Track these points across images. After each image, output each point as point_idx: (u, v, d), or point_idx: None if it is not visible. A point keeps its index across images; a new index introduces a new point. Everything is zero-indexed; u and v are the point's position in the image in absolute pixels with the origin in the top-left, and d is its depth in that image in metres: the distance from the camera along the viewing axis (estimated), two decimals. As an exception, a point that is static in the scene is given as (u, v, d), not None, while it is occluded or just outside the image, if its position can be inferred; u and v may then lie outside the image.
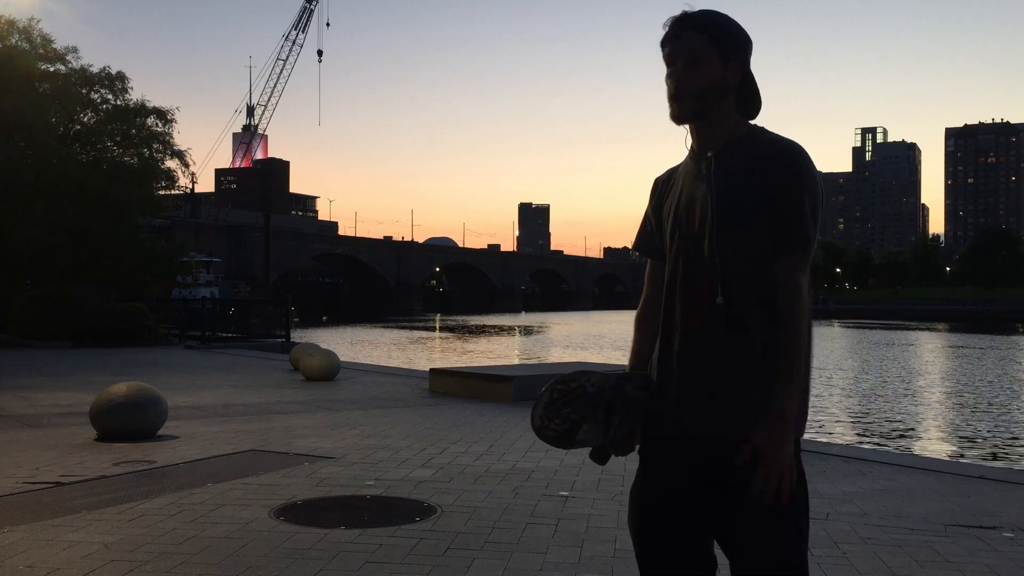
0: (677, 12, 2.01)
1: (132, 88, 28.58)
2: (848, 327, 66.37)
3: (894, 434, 14.45)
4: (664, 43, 2.01)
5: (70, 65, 27.91)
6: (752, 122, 2.05)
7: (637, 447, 2.11)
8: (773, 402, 1.86)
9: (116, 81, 28.20)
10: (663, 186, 2.15)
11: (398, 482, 5.51)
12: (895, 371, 26.92)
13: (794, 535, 1.90)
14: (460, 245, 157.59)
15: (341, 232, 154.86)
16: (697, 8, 2.01)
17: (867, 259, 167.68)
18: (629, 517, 2.10)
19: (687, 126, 2.05)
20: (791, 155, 1.92)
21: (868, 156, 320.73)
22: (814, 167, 1.94)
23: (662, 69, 2.05)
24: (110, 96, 28.26)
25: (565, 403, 2.01)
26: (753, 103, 2.04)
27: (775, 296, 1.89)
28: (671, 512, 2.00)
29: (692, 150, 2.07)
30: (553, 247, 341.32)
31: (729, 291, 1.92)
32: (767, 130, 2.02)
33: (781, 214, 1.90)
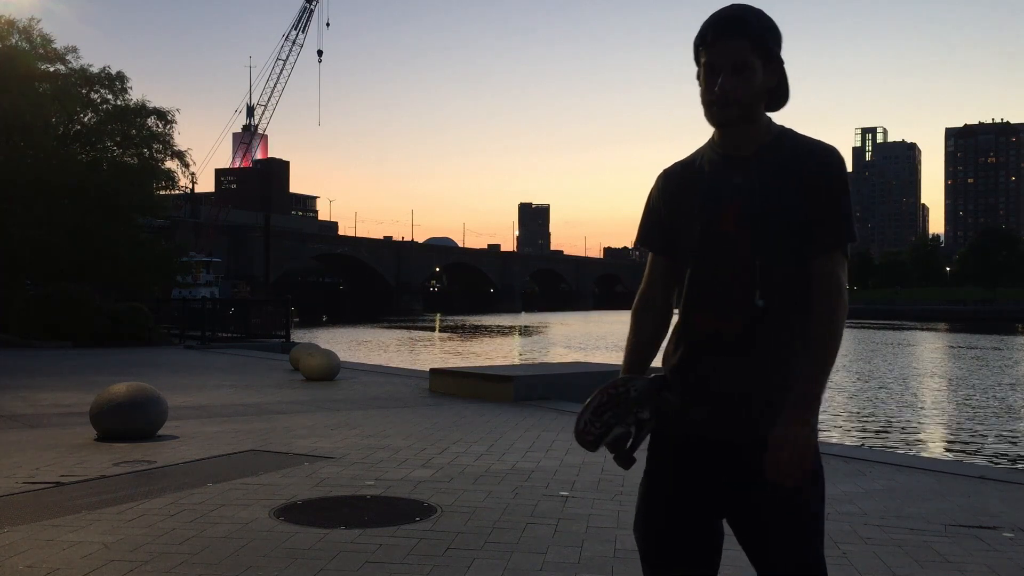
0: (715, 12, 1.96)
1: (132, 88, 28.66)
2: (848, 327, 66.18)
3: (894, 434, 14.45)
4: (703, 46, 1.95)
5: (70, 65, 27.94)
6: (779, 122, 2.04)
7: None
8: (803, 386, 1.86)
9: (116, 81, 28.21)
10: (677, 180, 2.07)
11: (398, 482, 5.51)
12: (895, 371, 26.92)
13: (819, 534, 1.92)
14: (460, 245, 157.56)
15: (341, 232, 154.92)
16: (733, 6, 1.96)
17: (867, 259, 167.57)
18: (638, 523, 2.05)
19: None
20: (832, 157, 1.95)
21: (868, 156, 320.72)
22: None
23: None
24: (110, 96, 28.28)
25: (608, 407, 1.98)
26: (782, 98, 2.03)
27: (814, 291, 1.90)
28: (693, 513, 1.98)
29: (719, 146, 2.02)
30: (553, 247, 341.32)
31: (769, 293, 1.91)
32: (796, 132, 2.02)
33: (827, 214, 1.91)
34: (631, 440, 1.98)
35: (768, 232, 1.91)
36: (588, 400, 2.01)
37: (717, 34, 1.93)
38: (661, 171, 2.12)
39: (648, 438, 2.04)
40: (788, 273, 1.92)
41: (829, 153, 1.95)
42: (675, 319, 2.08)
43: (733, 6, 1.96)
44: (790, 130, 2.02)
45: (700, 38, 1.96)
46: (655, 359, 2.15)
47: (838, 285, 1.90)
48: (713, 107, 1.95)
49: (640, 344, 2.11)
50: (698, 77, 1.99)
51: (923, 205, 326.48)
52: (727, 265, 1.94)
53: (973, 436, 14.38)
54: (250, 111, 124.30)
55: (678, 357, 2.00)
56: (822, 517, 1.94)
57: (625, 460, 2.01)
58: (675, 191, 2.06)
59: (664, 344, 2.11)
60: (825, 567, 1.92)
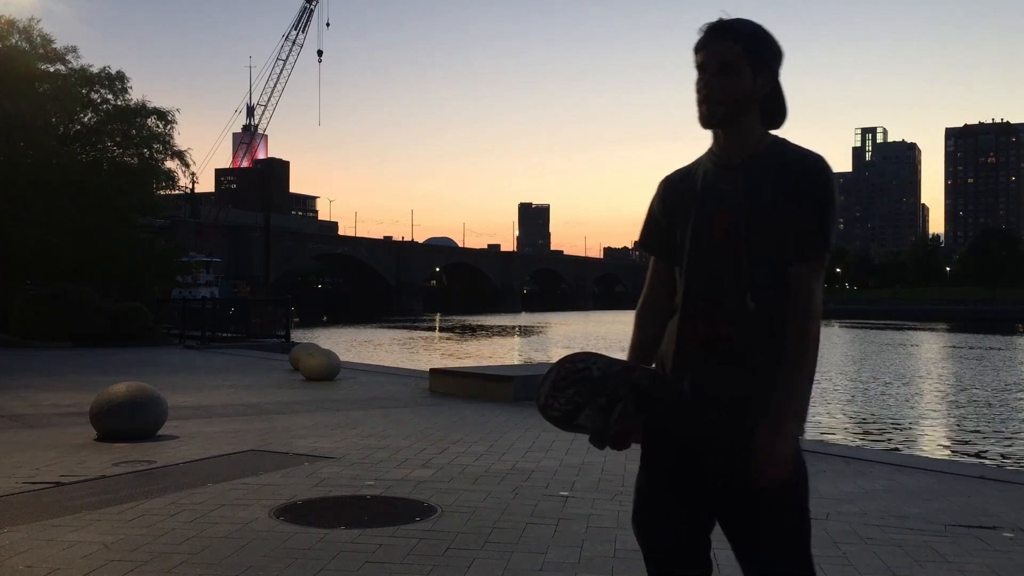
0: (713, 19, 2.04)
1: (132, 88, 28.58)
2: (848, 327, 66.32)
3: (894, 434, 14.45)
4: (697, 49, 2.04)
5: (70, 65, 27.89)
6: (774, 133, 2.09)
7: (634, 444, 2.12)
8: (777, 397, 1.92)
9: (116, 81, 28.17)
10: (676, 187, 2.14)
11: (398, 482, 5.51)
12: (895, 371, 26.92)
13: (806, 532, 1.99)
14: (460, 245, 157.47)
15: (341, 232, 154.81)
16: (732, 17, 2.04)
17: (867, 259, 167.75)
18: (635, 516, 2.12)
19: (712, 132, 2.09)
20: (820, 168, 1.99)
21: (868, 156, 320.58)
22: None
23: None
24: (110, 96, 28.24)
25: (570, 383, 2.03)
26: (778, 115, 2.08)
27: (789, 301, 1.96)
28: (683, 509, 2.05)
29: (714, 155, 2.09)
30: (553, 247, 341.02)
31: (759, 297, 1.97)
32: (789, 142, 2.07)
33: (809, 223, 1.96)
34: (603, 424, 2.01)
35: (757, 240, 1.98)
36: (546, 373, 2.05)
37: (710, 36, 2.02)
38: (663, 177, 2.21)
39: (640, 431, 2.07)
40: (778, 278, 1.98)
41: (815, 163, 1.99)
42: (671, 322, 2.11)
43: (733, 17, 2.05)
44: (784, 140, 2.07)
45: (696, 43, 2.05)
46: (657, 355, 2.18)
47: (810, 295, 1.96)
48: (700, 106, 2.02)
49: (642, 343, 2.18)
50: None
51: (923, 205, 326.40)
52: (720, 272, 2.00)
53: (973, 436, 14.38)
54: (250, 111, 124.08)
55: (676, 361, 2.06)
56: (808, 515, 2.00)
57: (600, 441, 2.03)
58: (672, 199, 2.14)
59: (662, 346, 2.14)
60: (812, 563, 1.98)
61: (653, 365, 2.14)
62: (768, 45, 2.03)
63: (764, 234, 1.97)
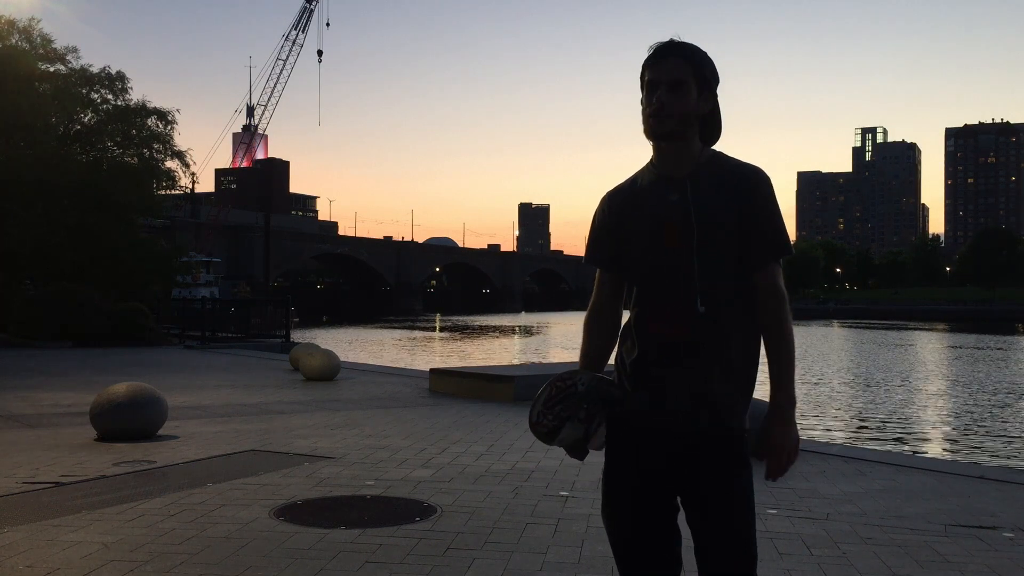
0: (664, 39, 2.19)
1: (132, 88, 28.55)
2: (848, 327, 66.36)
3: (894, 434, 14.45)
4: (649, 65, 2.17)
5: (70, 65, 27.87)
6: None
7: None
8: (779, 394, 2.13)
9: (116, 81, 28.14)
10: (623, 201, 2.25)
11: (398, 482, 5.52)
12: (895, 371, 26.92)
13: (753, 512, 2.16)
14: (460, 245, 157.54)
15: (341, 232, 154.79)
16: (681, 40, 2.20)
17: (867, 259, 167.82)
18: (605, 508, 2.24)
19: (653, 147, 2.21)
20: (763, 178, 2.17)
21: (868, 156, 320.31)
22: None
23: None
24: (110, 96, 28.21)
25: (559, 400, 2.17)
26: (715, 133, 2.24)
27: (762, 301, 2.14)
28: (652, 499, 2.17)
29: (656, 168, 2.21)
30: (553, 247, 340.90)
31: (711, 301, 2.11)
32: (726, 154, 2.23)
33: (762, 230, 2.14)
34: (583, 433, 2.17)
35: (706, 246, 2.12)
36: (539, 392, 2.21)
37: (659, 55, 2.17)
38: (605, 194, 2.33)
39: (606, 427, 2.21)
40: (726, 281, 2.13)
41: (757, 174, 2.17)
42: (626, 327, 2.25)
43: (681, 40, 2.21)
44: (721, 153, 2.23)
45: (645, 61, 2.20)
46: (607, 362, 2.34)
47: (781, 293, 2.15)
48: (651, 119, 2.16)
49: (593, 351, 2.33)
50: (642, 102, 2.20)
51: (923, 205, 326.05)
52: (673, 278, 2.14)
53: (973, 436, 14.38)
54: (250, 111, 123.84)
55: (635, 362, 2.18)
56: (754, 499, 2.16)
57: (580, 452, 2.20)
58: (620, 213, 2.26)
59: (616, 349, 2.29)
60: (756, 541, 2.14)
61: (613, 365, 2.28)
62: (711, 67, 2.19)
63: (715, 240, 2.11)
